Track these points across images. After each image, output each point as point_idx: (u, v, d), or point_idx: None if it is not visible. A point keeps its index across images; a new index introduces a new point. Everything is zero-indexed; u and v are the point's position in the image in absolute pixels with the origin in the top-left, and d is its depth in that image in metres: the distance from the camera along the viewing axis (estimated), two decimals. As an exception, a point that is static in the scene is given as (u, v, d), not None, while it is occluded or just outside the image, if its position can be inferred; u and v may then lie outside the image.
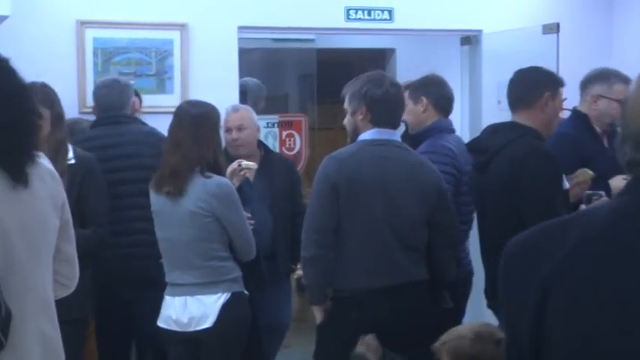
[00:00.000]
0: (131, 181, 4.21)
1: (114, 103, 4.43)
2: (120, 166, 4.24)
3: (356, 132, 3.64)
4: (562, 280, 1.39)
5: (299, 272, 4.57)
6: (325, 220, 3.49)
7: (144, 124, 4.52)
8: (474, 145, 3.81)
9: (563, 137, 4.33)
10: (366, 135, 3.59)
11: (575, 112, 4.57)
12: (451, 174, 4.07)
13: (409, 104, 4.26)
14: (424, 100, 4.24)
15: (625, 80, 4.35)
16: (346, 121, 3.70)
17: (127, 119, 4.44)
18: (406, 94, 4.28)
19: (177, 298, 3.71)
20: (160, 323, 3.78)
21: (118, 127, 4.37)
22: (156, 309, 3.85)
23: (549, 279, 1.40)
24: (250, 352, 3.84)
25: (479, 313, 4.51)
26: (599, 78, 4.44)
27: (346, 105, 3.67)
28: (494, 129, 3.75)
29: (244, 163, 4.07)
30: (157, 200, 3.76)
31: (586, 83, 4.54)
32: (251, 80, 5.61)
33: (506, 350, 1.53)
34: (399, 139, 3.69)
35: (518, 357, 1.47)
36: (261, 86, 5.65)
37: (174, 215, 3.69)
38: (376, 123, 3.58)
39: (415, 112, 4.26)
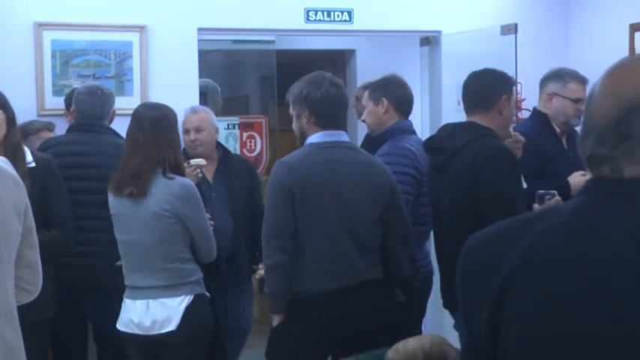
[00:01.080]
0: (94, 192, 4.20)
1: (95, 112, 4.45)
2: (86, 175, 4.23)
3: (303, 135, 3.64)
4: (519, 280, 1.40)
5: (260, 272, 4.57)
6: (284, 226, 3.48)
7: (119, 136, 4.52)
8: (431, 145, 3.82)
9: (525, 137, 4.38)
10: (314, 138, 3.59)
11: (535, 112, 4.63)
12: (412, 175, 4.08)
13: (369, 105, 4.28)
14: (384, 101, 4.25)
15: (579, 79, 4.42)
16: (293, 125, 3.70)
17: (101, 129, 4.45)
18: (366, 95, 4.30)
19: (138, 302, 3.69)
20: (120, 327, 3.75)
21: (93, 135, 4.39)
22: (114, 315, 3.84)
23: (507, 279, 1.41)
24: (213, 355, 3.83)
25: (439, 313, 4.54)
26: (554, 77, 4.53)
27: (291, 109, 3.67)
28: (453, 129, 3.77)
29: (192, 161, 4.08)
30: (116, 203, 3.74)
31: (542, 82, 4.63)
32: (208, 82, 5.59)
33: (465, 346, 1.54)
34: (347, 140, 3.68)
35: (477, 354, 1.48)
36: (217, 88, 5.64)
37: (135, 217, 3.68)
38: (321, 125, 3.58)
39: (376, 113, 4.27)
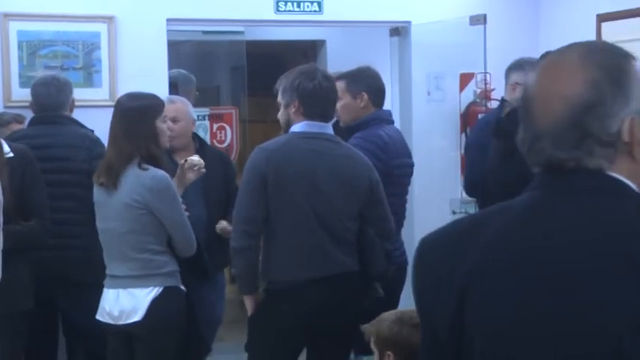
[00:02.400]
0: (60, 184, 4.17)
1: (52, 102, 4.41)
2: (51, 168, 4.19)
3: (289, 125, 3.64)
4: (479, 279, 1.39)
5: (233, 271, 4.57)
6: (254, 211, 3.49)
7: (82, 125, 4.48)
8: (501, 131, 3.81)
9: (489, 125, 4.42)
10: (297, 127, 3.59)
11: (503, 101, 4.68)
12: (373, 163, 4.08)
13: (346, 98, 4.25)
14: (365, 95, 4.26)
15: None
16: (280, 114, 3.69)
17: (63, 120, 4.41)
18: (342, 87, 4.28)
19: (111, 291, 3.71)
20: (97, 316, 3.77)
21: (53, 127, 4.35)
22: (84, 309, 3.82)
23: (466, 278, 1.40)
24: (190, 349, 3.82)
25: (413, 304, 4.55)
26: (516, 67, 4.64)
27: (279, 98, 3.67)
28: None
29: (189, 159, 4.05)
30: (96, 192, 3.78)
31: (507, 72, 4.73)
32: (180, 72, 5.56)
33: (424, 346, 1.52)
34: (331, 132, 3.68)
35: (439, 353, 1.47)
36: (191, 78, 5.61)
37: (110, 207, 3.70)
38: (308, 116, 3.58)
39: (353, 106, 4.26)
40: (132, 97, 3.84)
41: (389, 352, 2.70)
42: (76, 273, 4.12)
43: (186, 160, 4.03)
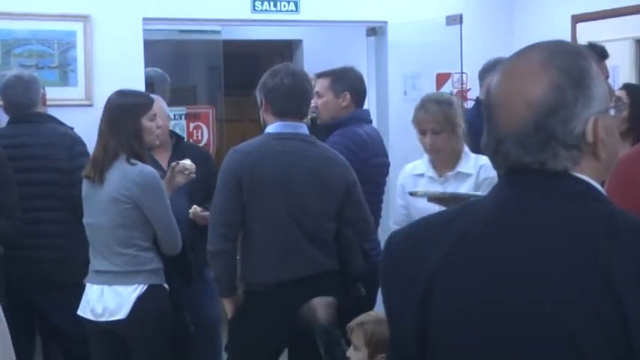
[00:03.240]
0: (39, 183, 4.15)
1: (22, 102, 4.38)
2: (30, 167, 4.17)
3: (265, 124, 3.66)
4: (445, 277, 1.40)
5: None
6: (230, 215, 3.49)
7: (61, 123, 4.45)
8: None
9: (470, 126, 4.42)
10: (271, 128, 3.60)
11: (478, 101, 4.70)
12: (349, 160, 4.08)
13: (328, 96, 4.27)
14: (347, 95, 4.27)
15: None
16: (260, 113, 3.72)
17: (40, 118, 4.40)
18: (325, 85, 4.28)
19: (95, 287, 3.70)
20: (79, 311, 3.76)
21: (32, 126, 4.33)
22: (64, 309, 3.79)
23: (433, 276, 1.41)
24: (179, 349, 3.81)
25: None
26: (491, 68, 4.67)
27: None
28: None
29: (181, 162, 4.05)
30: (84, 186, 3.80)
31: (482, 73, 4.74)
32: (155, 71, 5.54)
33: (390, 342, 1.53)
34: (306, 132, 3.67)
35: (403, 349, 1.47)
36: (166, 77, 5.60)
37: (96, 201, 3.72)
38: (277, 114, 3.58)
39: (335, 105, 4.28)
40: (121, 93, 3.86)
41: (382, 355, 2.70)
42: (56, 273, 4.09)
43: (177, 163, 4.04)
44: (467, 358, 1.38)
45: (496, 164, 1.45)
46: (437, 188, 3.75)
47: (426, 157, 3.92)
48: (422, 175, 3.89)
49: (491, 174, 3.65)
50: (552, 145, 1.37)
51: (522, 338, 1.32)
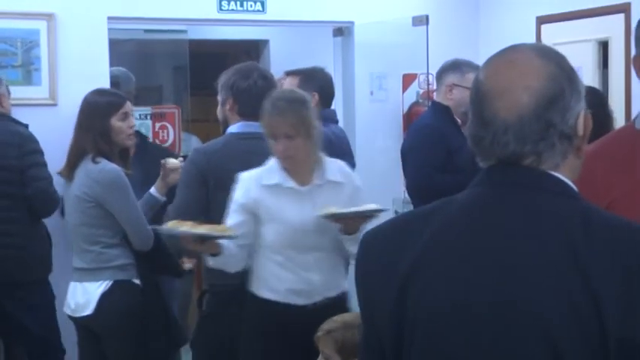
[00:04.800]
0: None
1: None
2: None
3: (226, 123, 3.65)
4: (422, 273, 1.40)
5: (187, 265, 4.55)
6: (192, 212, 3.47)
7: (16, 122, 4.41)
8: None
9: (427, 129, 4.41)
10: (234, 128, 3.59)
11: (435, 104, 4.65)
12: None
13: None
14: (316, 96, 4.28)
15: (476, 68, 4.48)
16: (218, 110, 3.70)
17: None
18: (293, 82, 4.27)
19: (71, 283, 3.80)
20: (64, 308, 3.86)
21: None
22: (27, 307, 3.79)
23: (409, 272, 1.41)
24: (168, 341, 3.87)
25: (354, 302, 4.56)
26: (452, 68, 4.58)
27: (218, 95, 3.68)
28: None
29: (175, 162, 4.07)
30: (63, 184, 3.90)
31: (440, 74, 4.67)
32: (119, 70, 5.50)
33: (364, 342, 1.53)
34: None
35: (379, 349, 1.47)
36: (130, 76, 5.57)
37: (67, 199, 3.81)
38: (243, 114, 3.58)
39: None
40: (96, 92, 3.92)
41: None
42: (14, 271, 4.06)
43: (166, 160, 4.05)
44: (443, 356, 1.38)
45: (489, 156, 1.43)
46: (304, 200, 3.27)
47: (274, 165, 3.33)
48: (278, 185, 3.30)
49: (357, 181, 3.40)
50: (551, 133, 1.39)
51: (499, 336, 1.32)
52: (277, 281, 3.26)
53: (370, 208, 3.21)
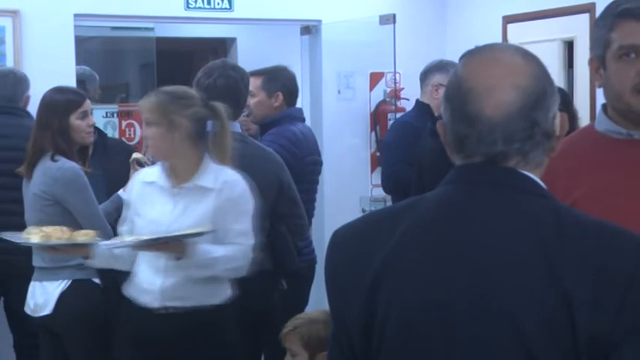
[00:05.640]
0: (14, 175, 4.11)
1: (7, 94, 4.48)
2: (6, 157, 4.20)
3: None
4: (392, 271, 1.40)
5: None
6: None
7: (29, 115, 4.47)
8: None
9: (406, 126, 4.48)
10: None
11: (418, 103, 4.75)
12: (284, 157, 4.10)
13: (260, 95, 4.26)
14: (280, 95, 4.27)
15: None
16: None
17: (21, 112, 4.47)
18: (257, 84, 4.27)
19: (31, 283, 3.76)
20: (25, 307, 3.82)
21: (11, 118, 4.42)
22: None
23: (380, 270, 1.41)
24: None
25: (322, 302, 4.58)
26: (438, 68, 4.68)
27: None
28: None
29: (139, 156, 4.04)
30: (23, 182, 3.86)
31: (426, 74, 4.74)
32: (85, 69, 5.47)
33: (333, 340, 1.53)
34: (239, 130, 3.66)
35: (349, 346, 1.47)
36: (94, 74, 5.54)
37: (26, 198, 3.79)
38: None
39: (268, 105, 4.27)
40: (55, 90, 3.88)
41: (323, 353, 2.70)
42: (18, 264, 4.05)
43: (134, 158, 4.04)
44: (412, 352, 1.38)
45: (473, 154, 1.42)
46: (168, 201, 3.21)
47: (163, 164, 3.31)
48: (153, 183, 3.26)
49: (235, 193, 3.18)
50: (536, 132, 1.40)
51: (471, 335, 1.33)
52: (135, 278, 3.26)
53: (180, 234, 3.04)
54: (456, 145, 1.44)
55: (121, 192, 4.02)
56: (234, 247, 3.12)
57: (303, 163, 4.16)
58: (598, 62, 2.08)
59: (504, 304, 1.31)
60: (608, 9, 2.09)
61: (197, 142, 3.19)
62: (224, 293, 3.19)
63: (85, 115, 3.83)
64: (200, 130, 3.19)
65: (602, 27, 2.07)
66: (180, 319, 3.10)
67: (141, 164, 4.01)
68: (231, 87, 3.58)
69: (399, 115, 5.52)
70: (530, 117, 1.39)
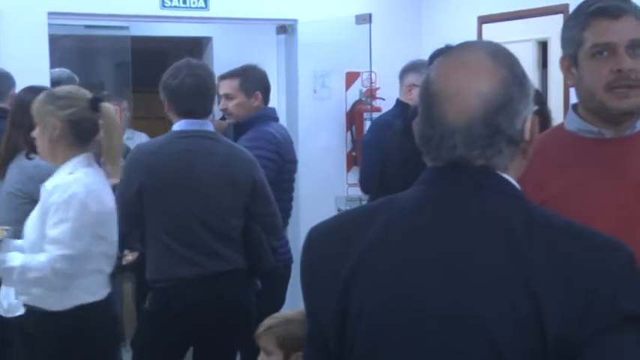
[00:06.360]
0: None
1: None
2: None
3: (171, 122, 3.63)
4: (367, 270, 1.40)
5: (128, 258, 4.51)
6: (125, 212, 3.48)
7: None
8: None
9: (385, 125, 4.50)
10: (177, 126, 3.58)
11: (398, 102, 4.82)
12: (274, 160, 4.10)
13: (240, 96, 4.25)
14: (259, 95, 4.27)
15: None
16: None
17: (3, 113, 4.32)
18: (235, 86, 4.25)
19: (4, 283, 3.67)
20: None
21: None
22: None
23: (354, 269, 1.41)
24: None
25: (299, 301, 4.58)
26: (412, 68, 4.74)
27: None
28: None
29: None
30: None
31: (402, 74, 4.82)
32: (63, 71, 5.43)
33: (309, 339, 1.53)
34: (211, 129, 3.65)
35: (324, 346, 1.47)
36: (75, 77, 5.50)
37: (0, 197, 3.74)
38: (180, 114, 3.56)
39: (248, 105, 4.26)
40: (28, 89, 3.85)
41: (299, 353, 2.69)
42: None
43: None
44: (384, 354, 1.38)
45: (437, 157, 1.42)
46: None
47: None
48: None
49: (60, 198, 3.02)
50: (499, 139, 1.38)
51: (442, 337, 1.33)
52: None
53: None
54: (421, 147, 1.45)
55: None
56: (40, 257, 3.04)
57: (284, 161, 4.18)
58: (570, 61, 2.09)
59: (475, 307, 1.31)
60: (579, 8, 2.10)
61: (75, 143, 3.14)
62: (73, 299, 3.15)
63: None
64: (79, 131, 3.15)
65: (574, 26, 2.08)
66: (37, 317, 3.15)
67: None
68: (200, 85, 3.57)
69: (374, 114, 5.54)
70: (492, 124, 1.38)
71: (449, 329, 1.32)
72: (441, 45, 1.49)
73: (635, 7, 2.06)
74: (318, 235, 1.52)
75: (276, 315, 2.90)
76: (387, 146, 4.02)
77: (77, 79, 5.39)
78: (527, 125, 1.41)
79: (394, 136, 3.93)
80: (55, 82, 5.16)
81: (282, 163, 4.15)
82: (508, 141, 1.39)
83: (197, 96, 3.54)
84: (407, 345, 1.35)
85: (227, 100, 4.26)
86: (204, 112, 3.60)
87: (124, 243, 4.44)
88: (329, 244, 1.48)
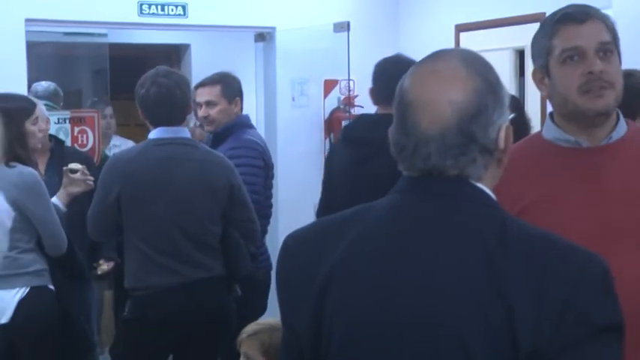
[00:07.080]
0: None
1: None
2: None
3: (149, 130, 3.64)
4: (341, 278, 1.40)
5: (103, 267, 4.50)
6: (104, 223, 3.54)
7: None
8: (353, 137, 3.66)
9: None
10: (153, 134, 3.58)
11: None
12: (261, 167, 4.11)
13: (222, 103, 4.23)
14: (239, 101, 4.27)
15: None
16: None
17: None
18: (216, 93, 4.25)
19: None
20: None
21: None
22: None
23: (328, 276, 1.41)
24: (75, 348, 3.79)
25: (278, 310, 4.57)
26: None
27: None
28: (373, 122, 3.60)
29: (78, 166, 3.97)
30: None
31: None
32: (50, 84, 5.40)
33: (284, 346, 1.53)
34: (187, 136, 3.65)
35: (298, 354, 1.47)
36: (59, 91, 5.46)
37: None
38: (152, 123, 3.57)
39: (230, 111, 4.25)
40: (4, 98, 3.83)
41: None
42: None
43: (68, 167, 3.97)
44: None
45: (411, 166, 1.42)
46: None
47: None
48: None
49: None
50: (472, 148, 1.38)
51: (416, 349, 1.33)
52: None
53: None
54: (396, 156, 1.44)
55: (55, 199, 3.97)
56: None
57: (270, 167, 4.21)
58: (542, 72, 2.11)
59: (448, 318, 1.31)
60: (545, 21, 2.13)
61: None
62: None
63: (37, 120, 3.85)
64: None
65: (543, 37, 2.10)
66: None
67: (74, 172, 3.96)
68: (164, 94, 3.55)
69: (353, 122, 5.56)
70: (466, 133, 1.38)
71: (422, 340, 1.32)
72: (418, 53, 1.49)
73: (600, 12, 2.09)
74: (294, 243, 1.52)
75: (260, 321, 2.89)
76: (330, 156, 4.02)
77: (62, 93, 5.37)
78: (502, 134, 1.41)
79: (337, 145, 3.94)
80: (34, 94, 5.14)
81: (267, 170, 4.16)
82: (482, 150, 1.39)
83: (162, 105, 3.52)
84: (380, 356, 1.35)
85: (208, 108, 4.24)
86: (175, 121, 3.58)
87: (98, 252, 4.45)
88: (304, 252, 1.48)
